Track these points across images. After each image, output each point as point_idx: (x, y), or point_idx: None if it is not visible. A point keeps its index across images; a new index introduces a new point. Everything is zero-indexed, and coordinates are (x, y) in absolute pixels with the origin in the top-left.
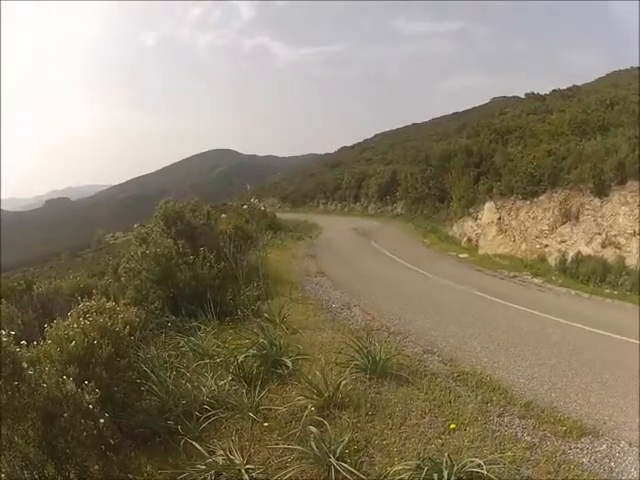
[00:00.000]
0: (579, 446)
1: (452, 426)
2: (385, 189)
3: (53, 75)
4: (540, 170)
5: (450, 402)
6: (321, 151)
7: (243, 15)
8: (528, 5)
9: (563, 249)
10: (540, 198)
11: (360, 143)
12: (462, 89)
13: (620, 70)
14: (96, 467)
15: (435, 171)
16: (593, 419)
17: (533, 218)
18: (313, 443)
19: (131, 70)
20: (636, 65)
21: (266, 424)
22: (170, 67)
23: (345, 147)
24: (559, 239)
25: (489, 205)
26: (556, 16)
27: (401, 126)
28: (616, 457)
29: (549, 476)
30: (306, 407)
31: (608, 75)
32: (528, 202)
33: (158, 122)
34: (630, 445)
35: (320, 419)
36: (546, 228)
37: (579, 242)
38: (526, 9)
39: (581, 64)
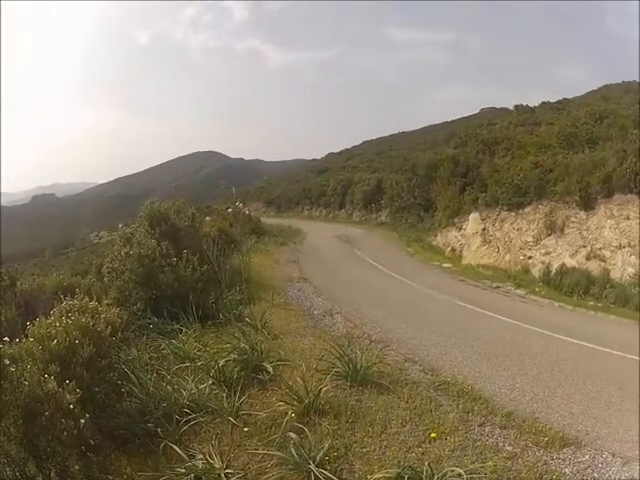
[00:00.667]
0: (561, 456)
1: (433, 435)
2: (370, 197)
3: (47, 75)
4: (526, 182)
5: (431, 411)
6: (308, 156)
7: (236, 17)
8: (522, 17)
9: (547, 261)
10: (525, 210)
11: (347, 150)
12: (452, 99)
13: (611, 84)
14: (76, 467)
15: (421, 180)
16: (575, 430)
17: (518, 229)
18: (293, 449)
19: (123, 70)
20: (627, 79)
21: (246, 429)
22: (162, 67)
23: (332, 153)
24: (543, 251)
25: (474, 216)
26: (550, 29)
27: (389, 134)
28: (599, 468)
29: None
30: (286, 413)
31: (599, 89)
32: (513, 213)
33: (147, 122)
34: (613, 456)
35: (300, 425)
36: (531, 240)
37: (564, 254)
38: (520, 21)
39: (572, 77)
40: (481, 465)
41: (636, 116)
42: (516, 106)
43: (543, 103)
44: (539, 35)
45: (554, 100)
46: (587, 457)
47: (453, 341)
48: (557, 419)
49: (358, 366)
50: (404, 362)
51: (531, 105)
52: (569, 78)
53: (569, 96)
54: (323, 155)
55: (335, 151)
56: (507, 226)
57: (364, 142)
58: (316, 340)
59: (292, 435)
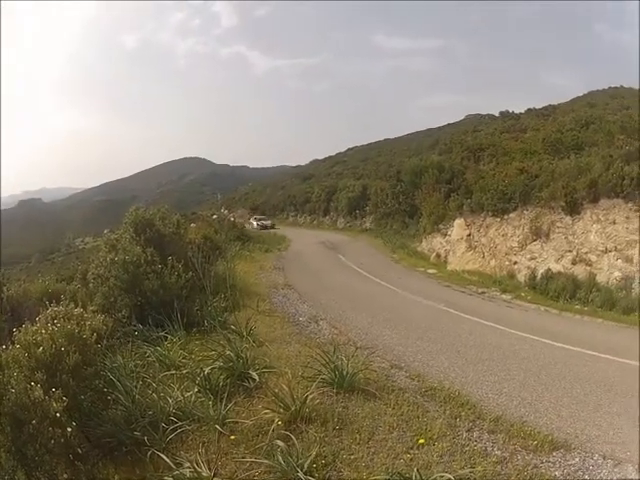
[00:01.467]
0: (551, 460)
1: (421, 441)
2: (355, 203)
3: (34, 78)
4: (511, 188)
5: (418, 417)
6: (293, 163)
7: (223, 23)
8: (509, 25)
9: (533, 266)
10: (511, 215)
11: (332, 156)
12: (438, 106)
13: (597, 90)
14: (65, 476)
15: (406, 187)
16: (565, 433)
17: (503, 235)
18: (280, 457)
19: (110, 74)
20: (614, 85)
21: (233, 437)
22: (149, 72)
23: (317, 160)
24: (529, 256)
25: (459, 222)
26: (537, 37)
27: (374, 141)
28: (590, 470)
29: None
30: (273, 421)
31: (585, 95)
32: (498, 219)
33: (134, 127)
34: (604, 458)
35: (287, 433)
36: (516, 245)
37: (549, 259)
38: (506, 29)
39: (559, 84)
40: (470, 470)
41: (623, 121)
42: (501, 112)
43: (529, 109)
44: (526, 43)
45: (540, 106)
46: (577, 460)
47: (439, 347)
48: (546, 422)
49: (344, 373)
50: (390, 368)
51: (517, 111)
52: (556, 85)
53: (555, 102)
54: (308, 162)
55: (320, 158)
56: (492, 232)
57: (349, 149)
58: (301, 347)
59: (279, 443)
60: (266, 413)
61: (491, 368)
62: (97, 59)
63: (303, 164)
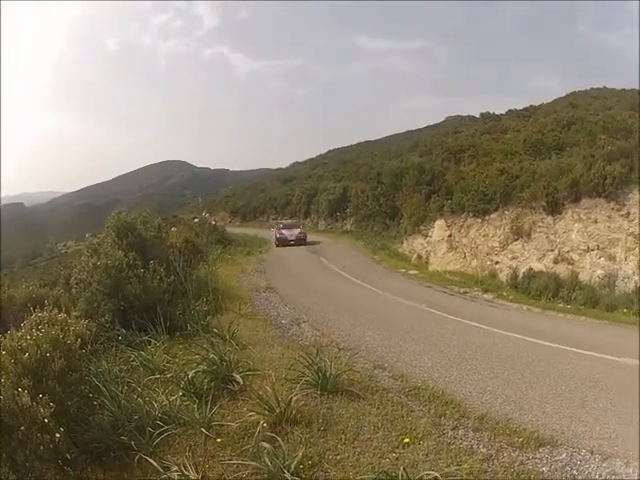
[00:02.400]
0: (537, 456)
1: (406, 440)
2: (336, 205)
3: (14, 83)
4: (492, 188)
5: (403, 417)
6: (273, 166)
7: (205, 24)
8: (491, 26)
9: (514, 265)
10: (491, 216)
11: (313, 159)
12: (419, 108)
13: (579, 91)
14: None
15: (386, 188)
16: (550, 429)
17: (484, 235)
18: (267, 459)
19: (91, 76)
20: (596, 86)
21: (219, 440)
22: (130, 75)
23: (297, 162)
24: (510, 256)
25: (440, 223)
26: (519, 39)
27: (355, 143)
28: (578, 465)
29: None
30: (258, 423)
31: (567, 95)
32: (479, 220)
33: (116, 130)
34: (592, 453)
35: (273, 435)
36: (497, 245)
37: (531, 258)
38: (489, 31)
39: (542, 86)
40: (457, 468)
41: (605, 121)
42: (482, 114)
43: (509, 111)
44: (508, 44)
45: (521, 107)
46: (564, 455)
47: (422, 347)
48: (531, 420)
49: (327, 374)
50: (373, 369)
51: (497, 113)
52: (539, 87)
53: (537, 104)
54: (288, 164)
55: (300, 160)
56: (473, 232)
57: (329, 151)
58: (284, 349)
59: (265, 445)
60: (251, 415)
61: (474, 367)
62: (78, 60)
63: (284, 167)
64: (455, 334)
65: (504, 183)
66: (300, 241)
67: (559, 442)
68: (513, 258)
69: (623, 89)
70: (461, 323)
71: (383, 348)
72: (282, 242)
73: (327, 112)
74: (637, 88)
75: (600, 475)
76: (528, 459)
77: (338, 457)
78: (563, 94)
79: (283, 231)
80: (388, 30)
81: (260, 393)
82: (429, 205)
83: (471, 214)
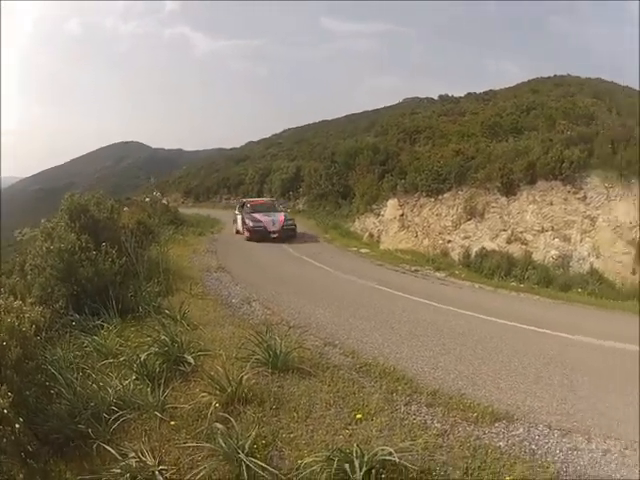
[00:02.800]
0: (494, 431)
1: (359, 416)
2: (288, 185)
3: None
4: (447, 169)
5: (354, 393)
6: (229, 145)
7: (167, 6)
8: (455, 11)
9: (467, 245)
10: (445, 195)
11: (267, 138)
12: (382, 90)
13: (542, 77)
14: (20, 476)
15: (340, 168)
16: (505, 404)
17: (437, 215)
18: (221, 440)
19: (50, 60)
20: (560, 74)
21: (173, 423)
22: (91, 57)
23: (252, 142)
24: (463, 235)
25: (392, 202)
26: (484, 26)
27: (311, 122)
28: (536, 440)
29: (465, 461)
30: (210, 404)
31: (529, 81)
32: (432, 199)
33: (75, 113)
34: (550, 428)
35: (225, 415)
36: (450, 224)
37: (484, 238)
38: (452, 15)
39: (505, 71)
40: (411, 443)
41: (566, 107)
42: (441, 96)
43: (469, 94)
44: (474, 29)
45: (481, 91)
46: (521, 430)
47: (372, 324)
48: (485, 395)
49: (278, 352)
50: (324, 346)
51: (456, 96)
52: (503, 72)
53: (496, 88)
54: (243, 144)
55: (254, 140)
56: (426, 211)
57: (285, 130)
58: (235, 329)
59: (218, 426)
60: (203, 396)
61: (426, 343)
62: (40, 42)
63: (239, 146)
64: (406, 311)
65: (459, 164)
66: (289, 234)
67: (515, 417)
68: (466, 237)
69: (588, 78)
70: (412, 300)
71: (333, 325)
72: (258, 235)
73: (294, 93)
74: (600, 77)
75: (561, 450)
76: (484, 434)
77: (291, 435)
78: (525, 79)
79: (258, 217)
80: (355, 11)
81: (212, 373)
82: (382, 184)
83: (424, 194)
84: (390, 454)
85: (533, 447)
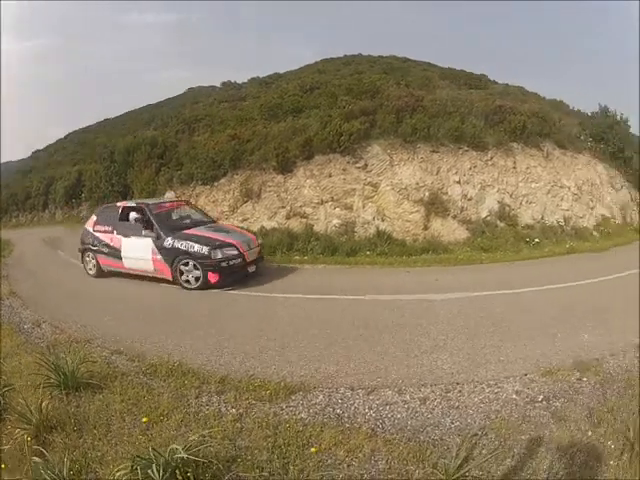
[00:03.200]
0: (291, 404)
1: (145, 420)
2: (71, 192)
3: None
4: (221, 155)
5: (145, 397)
6: (14, 158)
7: None
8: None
9: (246, 226)
10: (220, 181)
11: (52, 144)
12: (169, 82)
13: (331, 58)
14: None
15: (119, 167)
16: (298, 376)
17: (213, 202)
18: (43, 472)
19: None
20: (351, 53)
21: (4, 466)
22: None
23: (38, 150)
24: (241, 218)
25: (169, 195)
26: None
27: (94, 123)
28: (340, 403)
29: (269, 440)
30: (24, 439)
31: (316, 62)
32: (208, 187)
33: None
34: (353, 390)
35: (39, 447)
36: (227, 209)
37: (262, 218)
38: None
39: (296, 55)
40: (208, 433)
41: (350, 84)
42: (223, 83)
43: (252, 79)
44: (265, 12)
45: (264, 75)
46: (321, 397)
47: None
48: (275, 371)
49: (67, 372)
50: (111, 355)
51: (240, 82)
52: (294, 55)
53: (282, 71)
54: (29, 154)
55: (40, 148)
56: (202, 200)
57: (69, 134)
58: (29, 355)
59: (36, 459)
60: (18, 433)
61: (208, 331)
62: None
63: (25, 157)
64: (181, 298)
65: (234, 148)
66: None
67: (311, 386)
68: (244, 220)
69: (380, 56)
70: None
71: (119, 330)
72: (234, 276)
73: (80, 94)
74: (395, 55)
75: (370, 408)
76: (282, 409)
77: (99, 454)
78: (312, 61)
79: (223, 237)
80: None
81: (18, 408)
82: (158, 178)
83: (200, 182)
84: (188, 449)
85: (338, 412)
